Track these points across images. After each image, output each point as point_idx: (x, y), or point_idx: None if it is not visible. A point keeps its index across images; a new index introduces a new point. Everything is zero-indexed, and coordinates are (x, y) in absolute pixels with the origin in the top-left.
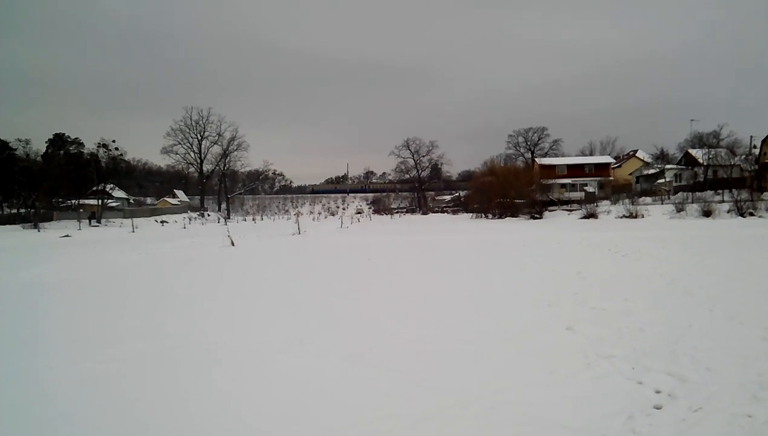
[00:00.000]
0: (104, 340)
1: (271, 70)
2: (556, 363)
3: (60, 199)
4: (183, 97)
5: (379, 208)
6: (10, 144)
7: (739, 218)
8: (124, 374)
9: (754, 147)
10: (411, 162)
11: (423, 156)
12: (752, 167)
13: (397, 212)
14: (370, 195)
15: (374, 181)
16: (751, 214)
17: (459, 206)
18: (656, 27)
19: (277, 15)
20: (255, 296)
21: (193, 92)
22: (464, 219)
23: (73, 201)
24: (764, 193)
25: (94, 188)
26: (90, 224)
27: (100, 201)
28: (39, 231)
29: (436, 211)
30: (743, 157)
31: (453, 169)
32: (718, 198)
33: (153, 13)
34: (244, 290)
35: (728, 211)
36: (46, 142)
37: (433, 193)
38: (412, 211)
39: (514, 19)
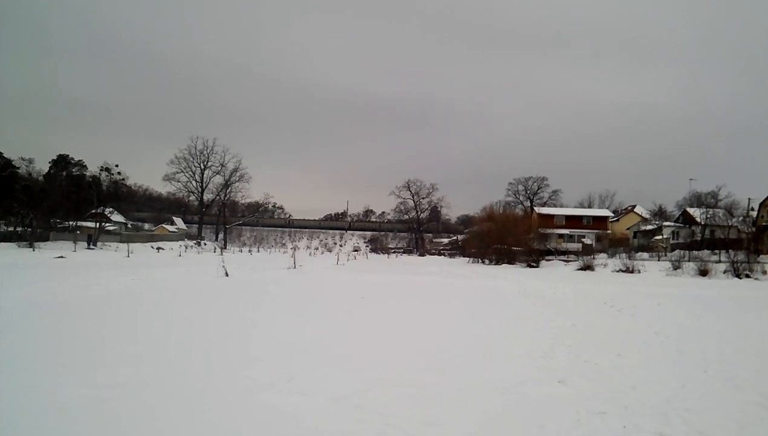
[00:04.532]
0: (85, 364)
1: (278, 105)
2: (548, 417)
3: (58, 220)
4: (190, 127)
5: (377, 246)
6: (13, 162)
7: (735, 279)
8: (105, 404)
9: (752, 209)
10: (411, 203)
11: (423, 198)
12: (749, 229)
13: (394, 252)
14: (368, 233)
15: (373, 219)
16: (747, 275)
17: (456, 250)
18: (664, 90)
19: (289, 52)
20: (245, 328)
21: (200, 122)
22: (461, 263)
23: (70, 222)
24: (761, 256)
25: (93, 211)
26: (88, 246)
27: (97, 224)
28: (34, 250)
29: (433, 254)
30: (741, 218)
31: (452, 212)
32: (714, 258)
33: (169, 41)
34: (233, 322)
35: (724, 272)
36: (49, 162)
37: (431, 235)
38: (409, 251)
39: (530, 74)
